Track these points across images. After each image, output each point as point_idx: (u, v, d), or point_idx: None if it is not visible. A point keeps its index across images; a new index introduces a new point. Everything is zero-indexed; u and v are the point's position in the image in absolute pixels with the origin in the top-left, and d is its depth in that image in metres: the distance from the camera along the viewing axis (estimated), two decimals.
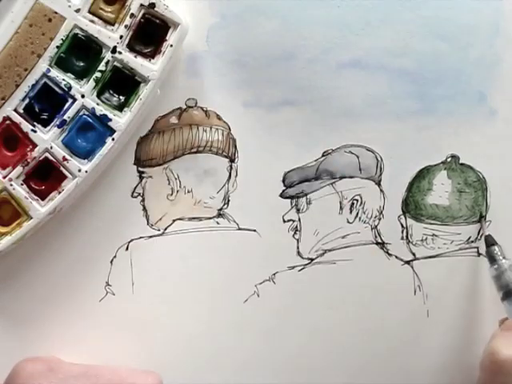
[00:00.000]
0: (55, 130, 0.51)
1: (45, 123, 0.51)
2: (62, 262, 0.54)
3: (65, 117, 0.51)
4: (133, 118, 0.51)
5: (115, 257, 0.55)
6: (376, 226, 0.54)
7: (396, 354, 0.55)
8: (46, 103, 0.51)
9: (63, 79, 0.51)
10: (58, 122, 0.51)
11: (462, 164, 0.54)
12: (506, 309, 0.52)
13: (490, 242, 0.53)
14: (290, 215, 0.54)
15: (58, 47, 0.50)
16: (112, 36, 0.50)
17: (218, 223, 0.55)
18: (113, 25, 0.50)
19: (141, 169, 0.54)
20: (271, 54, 0.52)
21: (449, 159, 0.54)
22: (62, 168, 0.51)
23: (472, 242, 0.54)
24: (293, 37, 0.52)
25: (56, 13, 0.50)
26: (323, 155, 0.54)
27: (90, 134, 0.51)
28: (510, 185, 0.54)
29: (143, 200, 0.54)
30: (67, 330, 0.55)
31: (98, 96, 0.51)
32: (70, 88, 0.51)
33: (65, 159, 0.51)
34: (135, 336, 0.55)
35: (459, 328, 0.55)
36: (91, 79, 0.51)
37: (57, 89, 0.51)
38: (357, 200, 0.54)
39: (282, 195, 0.54)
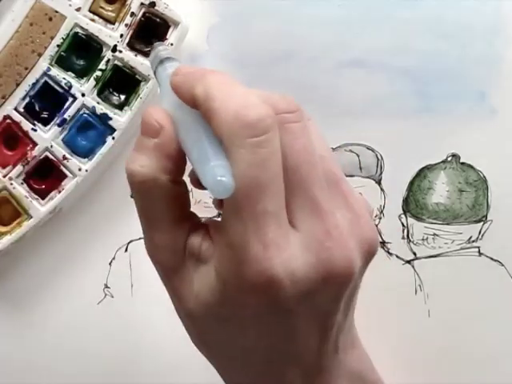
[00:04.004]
0: (55, 129, 0.51)
1: (45, 122, 0.51)
2: (61, 263, 0.54)
3: (65, 116, 0.51)
4: (133, 116, 0.51)
5: (114, 258, 0.54)
6: (376, 225, 0.54)
7: (396, 355, 0.55)
8: (47, 102, 0.51)
9: (63, 78, 0.51)
10: (58, 121, 0.51)
11: (462, 163, 0.54)
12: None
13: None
14: None
15: (58, 46, 0.50)
16: (112, 35, 0.50)
17: None
18: (113, 24, 0.50)
19: None
20: (271, 53, 0.52)
21: (449, 158, 0.54)
22: (62, 167, 0.51)
23: (473, 241, 0.54)
24: (293, 36, 0.52)
25: (57, 12, 0.50)
26: None
27: (90, 132, 0.51)
28: (510, 184, 0.54)
29: None
30: (65, 333, 0.54)
31: (99, 95, 0.51)
32: (70, 87, 0.51)
33: (65, 158, 0.51)
34: (134, 339, 0.55)
35: (460, 328, 0.55)
36: (91, 78, 0.51)
37: (57, 87, 0.51)
38: None
39: None
